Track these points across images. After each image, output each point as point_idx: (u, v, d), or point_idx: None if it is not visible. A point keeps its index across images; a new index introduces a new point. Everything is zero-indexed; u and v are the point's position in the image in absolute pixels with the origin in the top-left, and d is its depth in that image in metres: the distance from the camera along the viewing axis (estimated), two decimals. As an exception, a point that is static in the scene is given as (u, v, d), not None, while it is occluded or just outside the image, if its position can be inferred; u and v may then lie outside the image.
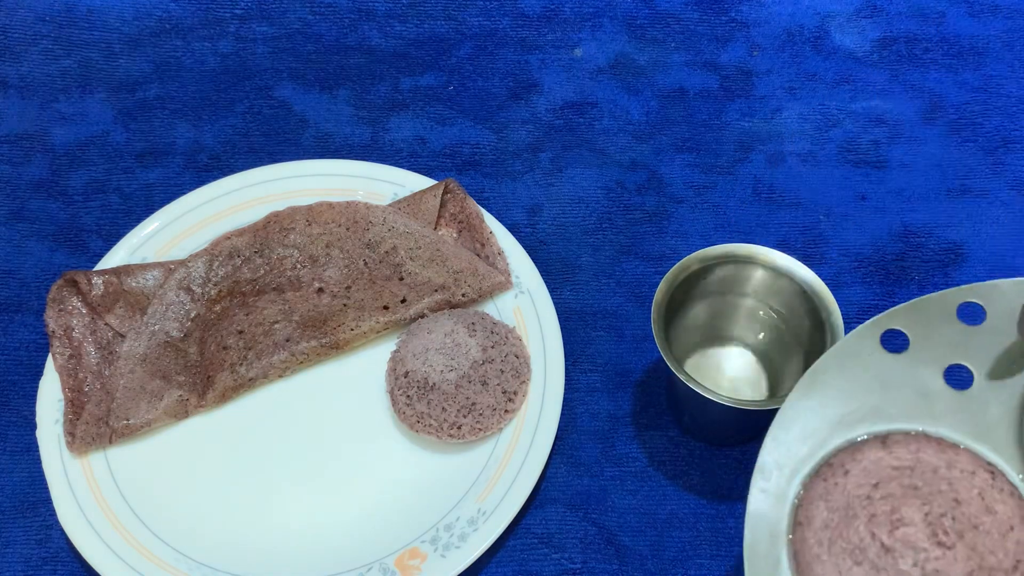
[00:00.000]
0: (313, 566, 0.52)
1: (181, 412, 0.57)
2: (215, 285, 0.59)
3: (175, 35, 0.76)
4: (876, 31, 0.76)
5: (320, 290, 0.60)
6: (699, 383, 0.50)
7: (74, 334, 0.58)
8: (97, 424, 0.55)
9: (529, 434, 0.55)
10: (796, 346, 0.55)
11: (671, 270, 0.54)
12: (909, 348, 0.43)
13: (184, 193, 0.64)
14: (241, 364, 0.57)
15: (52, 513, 0.53)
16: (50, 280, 0.62)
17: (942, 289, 0.61)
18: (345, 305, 0.59)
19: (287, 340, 0.58)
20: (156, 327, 0.58)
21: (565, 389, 0.57)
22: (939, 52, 0.75)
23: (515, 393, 0.56)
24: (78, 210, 0.67)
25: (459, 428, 0.55)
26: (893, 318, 0.44)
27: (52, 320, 0.58)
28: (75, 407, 0.55)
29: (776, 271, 0.55)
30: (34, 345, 0.61)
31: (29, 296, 0.63)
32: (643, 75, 0.74)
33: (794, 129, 0.70)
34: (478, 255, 0.61)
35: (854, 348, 0.43)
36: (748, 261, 0.55)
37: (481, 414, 0.55)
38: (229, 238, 0.61)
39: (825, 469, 0.41)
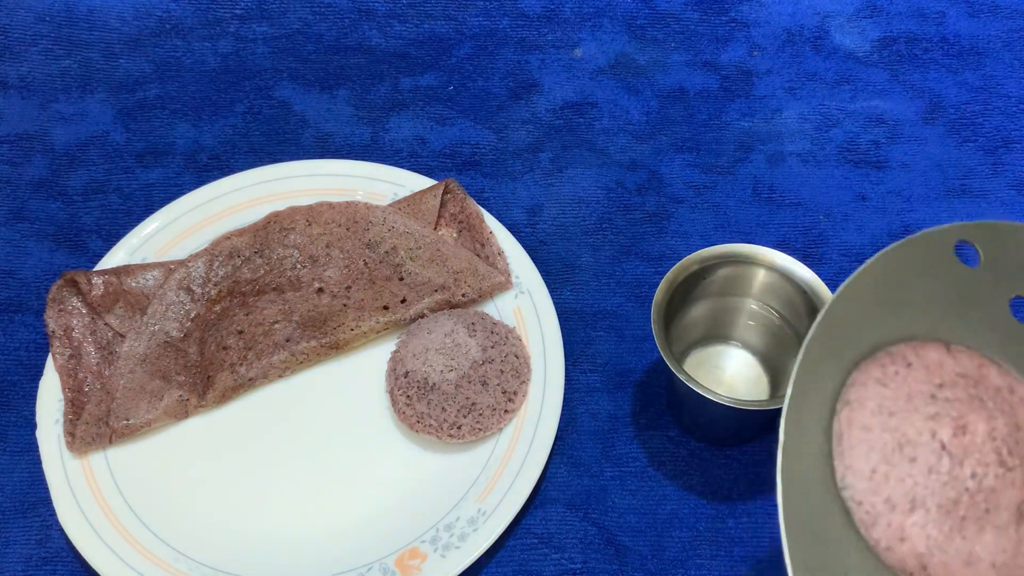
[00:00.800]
0: (313, 566, 0.52)
1: (181, 412, 0.57)
2: (215, 285, 0.59)
3: (175, 35, 0.76)
4: (876, 31, 0.76)
5: (320, 290, 0.59)
6: (699, 383, 0.50)
7: (74, 334, 0.58)
8: (97, 424, 0.55)
9: (529, 434, 0.55)
10: (796, 346, 0.55)
11: (671, 270, 0.54)
12: (980, 265, 0.40)
13: (184, 193, 0.64)
14: (241, 364, 0.57)
15: (52, 513, 0.53)
16: (50, 280, 0.62)
17: None
18: (345, 305, 0.59)
19: (287, 340, 0.58)
20: (156, 327, 0.58)
21: (565, 389, 0.57)
22: (939, 52, 0.75)
23: (515, 393, 0.56)
24: (78, 210, 0.67)
25: (459, 428, 0.55)
26: (967, 230, 0.40)
27: (52, 320, 0.58)
28: (75, 407, 0.55)
29: (776, 271, 0.55)
30: (34, 345, 0.61)
31: (29, 296, 0.63)
32: (643, 75, 0.74)
33: (794, 129, 0.70)
34: (478, 255, 0.61)
35: (926, 247, 0.40)
36: (748, 261, 0.55)
37: (481, 414, 0.55)
38: (229, 238, 0.61)
39: (884, 356, 0.38)
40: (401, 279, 0.60)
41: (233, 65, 0.75)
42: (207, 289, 0.59)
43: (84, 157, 0.70)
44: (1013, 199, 0.67)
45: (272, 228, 0.61)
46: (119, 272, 0.60)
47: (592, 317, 0.62)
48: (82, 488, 0.53)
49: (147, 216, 0.63)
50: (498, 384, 0.56)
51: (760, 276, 0.55)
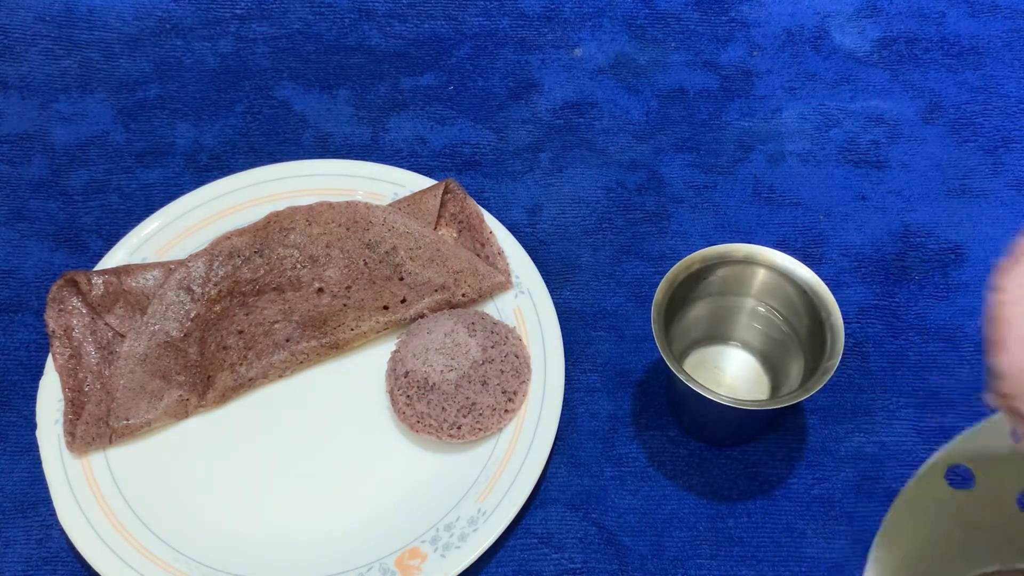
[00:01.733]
0: (313, 566, 0.52)
1: (181, 412, 0.57)
2: (215, 285, 0.59)
3: (175, 35, 0.76)
4: (876, 31, 0.76)
5: (320, 290, 0.59)
6: (699, 383, 0.50)
7: (74, 334, 0.58)
8: (97, 424, 0.55)
9: (529, 434, 0.55)
10: (797, 346, 0.55)
11: (671, 270, 0.54)
12: (976, 482, 0.41)
13: (184, 193, 0.64)
14: (241, 364, 0.57)
15: (52, 513, 0.53)
16: (50, 280, 0.61)
17: (942, 290, 0.62)
18: (345, 305, 0.59)
19: (287, 340, 0.58)
20: (156, 327, 0.58)
21: (565, 389, 0.57)
22: (939, 52, 0.75)
23: (515, 393, 0.56)
24: (78, 210, 0.67)
25: (459, 428, 0.55)
26: (953, 454, 0.42)
27: (52, 320, 0.58)
28: (75, 407, 0.55)
29: (776, 271, 0.55)
30: (34, 345, 0.61)
31: (29, 296, 0.63)
32: (643, 75, 0.74)
33: (794, 129, 0.70)
34: (478, 255, 0.61)
35: (922, 492, 0.41)
36: (748, 261, 0.55)
37: (481, 414, 0.55)
38: (229, 238, 0.61)
39: None
40: (401, 279, 0.60)
41: (233, 65, 0.75)
42: (207, 289, 0.59)
43: (84, 157, 0.70)
44: (1013, 199, 0.67)
45: (272, 228, 0.61)
46: (119, 272, 0.59)
47: (592, 317, 0.62)
48: (82, 488, 0.53)
49: (147, 216, 0.63)
50: (498, 384, 0.56)
51: (760, 276, 0.55)
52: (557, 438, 0.56)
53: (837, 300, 0.53)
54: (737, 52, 0.75)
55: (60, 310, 0.58)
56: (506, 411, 0.56)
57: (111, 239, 0.64)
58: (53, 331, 0.57)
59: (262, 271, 0.60)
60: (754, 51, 0.75)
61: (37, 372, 0.58)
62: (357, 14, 0.77)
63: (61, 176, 0.69)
